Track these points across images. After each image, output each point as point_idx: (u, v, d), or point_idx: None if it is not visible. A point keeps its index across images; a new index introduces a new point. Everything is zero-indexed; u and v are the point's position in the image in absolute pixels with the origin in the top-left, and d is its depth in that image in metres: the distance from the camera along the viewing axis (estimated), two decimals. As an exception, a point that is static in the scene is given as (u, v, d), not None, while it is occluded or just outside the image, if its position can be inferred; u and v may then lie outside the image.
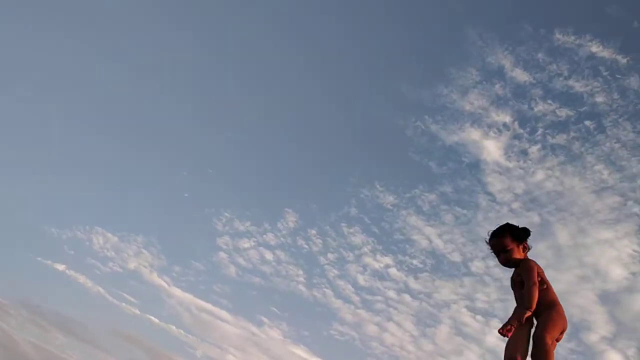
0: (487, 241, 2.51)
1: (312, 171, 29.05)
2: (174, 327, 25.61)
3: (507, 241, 2.44)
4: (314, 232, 26.99)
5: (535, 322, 2.32)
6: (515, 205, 25.34)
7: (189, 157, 27.82)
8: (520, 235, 2.45)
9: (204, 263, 26.46)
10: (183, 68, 25.88)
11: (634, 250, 23.17)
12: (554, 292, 2.36)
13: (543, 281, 2.36)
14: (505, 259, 2.43)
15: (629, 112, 22.09)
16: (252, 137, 28.12)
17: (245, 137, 27.67)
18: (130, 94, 24.86)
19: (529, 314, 2.22)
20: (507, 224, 2.49)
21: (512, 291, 2.46)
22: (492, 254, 2.51)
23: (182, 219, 28.86)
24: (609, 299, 25.36)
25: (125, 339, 22.47)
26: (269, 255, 26.26)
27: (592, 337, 26.56)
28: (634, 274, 23.65)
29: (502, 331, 2.16)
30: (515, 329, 2.19)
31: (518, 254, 2.44)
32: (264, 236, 26.39)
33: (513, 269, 2.48)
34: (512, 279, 2.43)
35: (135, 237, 25.68)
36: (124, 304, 24.19)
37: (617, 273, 24.82)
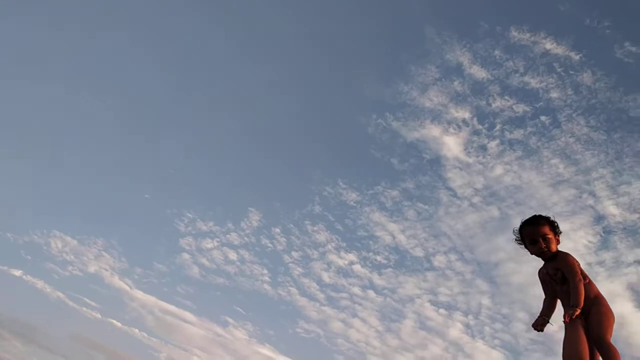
0: (520, 229, 2.41)
1: (275, 170, 28.62)
2: (137, 330, 24.79)
3: (547, 229, 2.36)
4: (278, 230, 26.74)
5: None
6: (475, 200, 25.79)
7: (149, 158, 26.88)
8: (557, 227, 2.38)
9: (167, 265, 25.68)
10: (143, 68, 24.95)
11: (589, 241, 23.99)
12: (595, 285, 2.28)
13: (584, 275, 2.29)
14: (544, 248, 2.34)
15: (582, 107, 22.86)
16: (213, 137, 27.38)
17: (206, 137, 26.93)
18: (88, 94, 23.79)
19: (578, 311, 2.15)
20: (542, 215, 2.42)
21: (540, 285, 2.41)
22: (520, 243, 2.43)
23: (144, 221, 27.92)
24: None
25: (87, 344, 21.58)
26: (232, 255, 25.77)
27: (552, 327, 27.34)
28: (589, 264, 24.54)
29: (566, 320, 2.13)
30: (569, 329, 2.15)
31: (555, 245, 2.36)
32: (228, 236, 25.87)
33: (545, 263, 2.41)
34: (547, 273, 2.35)
35: (95, 240, 24.66)
36: (84, 308, 23.16)
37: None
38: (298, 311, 27.20)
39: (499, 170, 25.72)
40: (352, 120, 27.03)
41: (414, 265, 27.81)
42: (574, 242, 25.34)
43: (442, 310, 27.55)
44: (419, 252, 27.60)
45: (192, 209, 26.00)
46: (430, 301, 27.39)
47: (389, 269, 27.46)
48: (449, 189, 26.41)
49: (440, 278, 27.54)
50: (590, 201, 24.41)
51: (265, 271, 25.97)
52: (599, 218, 24.31)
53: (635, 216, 24.00)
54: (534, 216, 2.39)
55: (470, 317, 27.49)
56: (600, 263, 24.79)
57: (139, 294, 25.37)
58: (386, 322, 27.89)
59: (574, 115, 22.47)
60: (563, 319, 2.15)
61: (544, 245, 2.32)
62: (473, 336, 27.64)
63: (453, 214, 26.95)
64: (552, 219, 2.36)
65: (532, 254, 2.39)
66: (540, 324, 2.29)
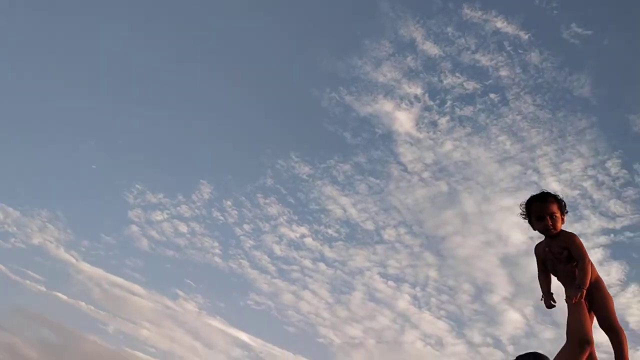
0: (528, 204, 2.38)
1: (227, 143, 28.20)
2: (84, 304, 24.00)
3: (555, 207, 2.32)
4: (229, 203, 26.45)
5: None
6: (425, 175, 26.44)
7: (97, 127, 25.72)
8: (564, 206, 2.35)
9: (115, 237, 24.91)
10: (94, 37, 23.55)
11: None
12: (595, 267, 2.27)
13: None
14: (551, 226, 2.30)
15: (530, 86, 23.67)
16: (163, 106, 26.56)
17: (156, 107, 26.10)
18: (36, 60, 22.36)
19: (584, 292, 2.13)
20: (551, 193, 2.37)
21: (537, 260, 2.40)
22: (525, 217, 2.40)
23: (91, 192, 26.91)
24: (509, 262, 27.42)
25: (31, 318, 20.76)
26: (183, 228, 25.35)
27: (494, 298, 28.44)
28: (531, 238, 25.66)
29: (570, 300, 2.11)
30: (574, 308, 2.11)
31: (560, 224, 2.33)
32: (178, 208, 25.36)
33: (547, 241, 2.37)
34: (550, 251, 2.32)
35: (39, 211, 23.46)
36: (28, 281, 22.13)
37: (517, 238, 26.77)
38: (249, 284, 27.33)
39: (448, 146, 26.23)
40: (306, 93, 26.93)
41: (364, 238, 28.32)
42: (517, 216, 26.31)
43: (390, 283, 28.23)
44: (369, 226, 28.03)
45: (141, 181, 25.25)
46: (379, 273, 28.01)
47: (340, 242, 27.83)
48: (400, 163, 26.79)
49: (390, 251, 28.21)
50: (534, 177, 25.41)
51: (216, 244, 25.78)
52: None
53: (575, 192, 25.16)
54: (544, 193, 2.36)
55: (417, 289, 28.35)
56: (542, 237, 26.23)
57: (85, 266, 24.53)
58: (336, 294, 28.38)
59: (521, 93, 23.27)
60: (567, 299, 2.14)
61: (550, 223, 2.29)
62: (420, 307, 28.51)
63: (403, 188, 27.43)
64: (560, 197, 2.35)
65: (535, 229, 2.37)
66: (550, 300, 2.30)
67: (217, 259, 26.14)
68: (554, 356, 2.14)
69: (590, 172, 23.46)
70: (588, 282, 2.16)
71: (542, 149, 24.04)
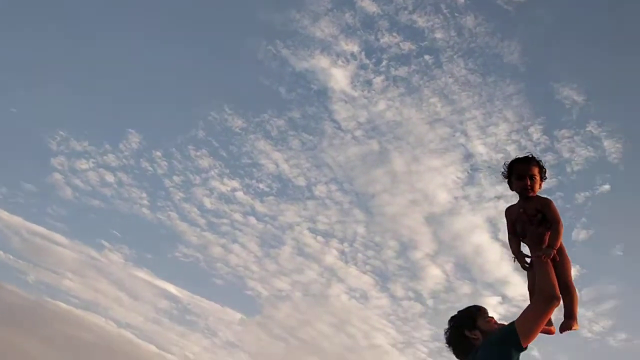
0: (511, 163, 2.45)
1: (157, 91, 27.04)
2: (1, 252, 23.12)
3: (536, 170, 2.41)
4: (159, 154, 25.79)
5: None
6: (358, 133, 26.55)
7: (18, 68, 24.00)
8: (545, 172, 2.44)
9: (36, 184, 23.87)
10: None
11: (458, 177, 25.84)
12: None
13: None
14: (529, 187, 2.38)
15: (463, 49, 23.83)
16: (88, 49, 24.92)
17: (81, 49, 24.45)
18: None
19: (555, 253, 2.23)
20: (535, 157, 2.46)
21: (507, 221, 2.46)
22: (506, 177, 2.47)
23: (9, 137, 25.39)
24: (434, 221, 28.38)
25: (-56, 266, 19.72)
26: (109, 177, 24.57)
27: (417, 254, 29.49)
28: (456, 198, 26.52)
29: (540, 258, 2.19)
30: (544, 266, 2.18)
31: (538, 188, 2.42)
32: (105, 157, 24.48)
33: (521, 202, 2.43)
34: (524, 212, 2.38)
35: (-50, 157, 21.91)
36: (-60, 228, 20.88)
37: (443, 197, 27.69)
38: (178, 236, 27.04)
39: (382, 105, 26.39)
40: (242, 44, 26.01)
41: (295, 193, 28.41)
42: (444, 177, 27.09)
43: (319, 238, 28.74)
44: (301, 182, 28.17)
45: (64, 127, 23.91)
46: (309, 229, 28.40)
47: (271, 197, 27.86)
48: (334, 121, 26.75)
49: (320, 207, 28.52)
50: (462, 140, 26.10)
51: (144, 195, 25.18)
52: (468, 156, 26.18)
53: (499, 156, 25.95)
54: (528, 155, 2.46)
55: (345, 244, 29.05)
56: (466, 197, 26.94)
57: (3, 214, 23.55)
58: (266, 248, 28.67)
59: (455, 57, 23.50)
60: (537, 256, 2.23)
61: (529, 184, 2.39)
62: (347, 262, 29.29)
63: (336, 145, 27.52)
64: (542, 163, 2.45)
65: (513, 189, 2.45)
66: (525, 261, 2.36)
67: (145, 210, 25.49)
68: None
69: (514, 136, 24.20)
70: (559, 244, 2.26)
71: (471, 112, 24.52)
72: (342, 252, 28.12)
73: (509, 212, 2.46)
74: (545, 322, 2.09)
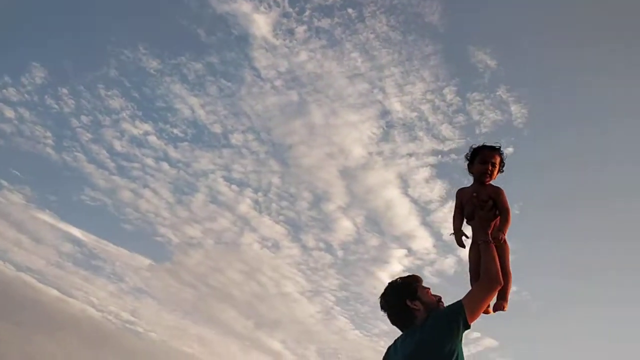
0: (478, 148, 2.53)
1: (66, 23, 25.09)
2: None
3: (498, 160, 2.53)
4: (65, 91, 24.29)
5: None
6: (277, 83, 26.47)
7: None
8: (503, 165, 2.55)
9: None
10: None
11: (373, 133, 26.69)
12: None
13: None
14: (489, 172, 2.48)
15: (386, 5, 24.07)
16: None
17: None
18: None
19: (504, 238, 2.38)
20: (500, 149, 2.55)
21: (457, 201, 2.56)
22: (467, 158, 2.55)
23: None
24: (348, 174, 29.38)
25: None
26: (9, 113, 22.89)
27: (330, 207, 30.51)
28: (370, 153, 27.43)
29: (493, 239, 2.34)
30: (491, 250, 2.32)
31: (494, 177, 2.53)
32: (4, 91, 22.68)
33: (475, 186, 2.52)
34: (476, 196, 2.47)
35: None
36: None
37: (358, 152, 28.59)
38: (85, 178, 26.05)
39: (303, 56, 26.32)
40: None
41: (211, 141, 28.11)
42: (360, 132, 27.91)
43: (234, 186, 28.89)
44: (217, 129, 27.85)
45: None
46: (223, 177, 28.40)
47: (186, 143, 27.41)
48: (254, 68, 26.41)
49: (236, 155, 28.50)
50: (380, 96, 26.79)
51: (48, 134, 23.75)
52: (385, 113, 26.99)
53: (414, 114, 26.96)
54: (496, 145, 2.55)
55: (259, 194, 29.41)
56: (380, 153, 27.89)
57: None
58: (178, 194, 28.44)
59: (377, 12, 23.71)
60: (484, 241, 2.36)
61: (490, 169, 2.48)
62: (260, 212, 29.77)
63: (255, 94, 27.31)
64: (505, 156, 2.56)
65: (472, 171, 2.53)
66: (462, 239, 2.47)
67: (49, 150, 24.17)
68: None
69: (429, 96, 25.21)
70: (507, 231, 2.39)
71: (390, 69, 25.14)
72: (256, 202, 28.18)
73: (461, 193, 2.55)
74: (488, 303, 2.24)
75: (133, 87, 24.96)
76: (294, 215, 28.68)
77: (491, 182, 2.51)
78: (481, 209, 2.41)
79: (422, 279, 2.35)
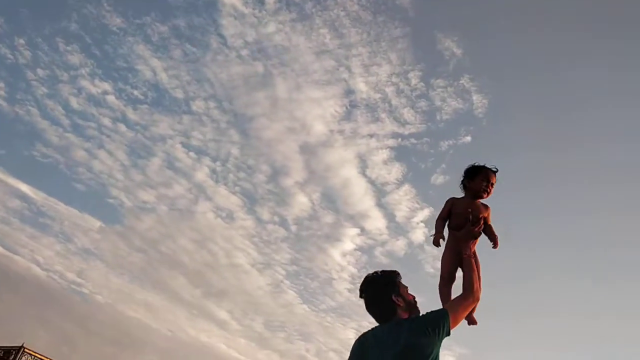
0: (484, 168, 2.67)
1: None
2: None
3: (494, 182, 2.69)
4: (22, 42, 23.27)
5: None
6: (244, 52, 26.03)
7: None
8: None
9: None
10: None
11: (336, 111, 26.79)
12: None
13: None
14: (489, 192, 2.65)
15: None
16: None
17: None
18: None
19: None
20: None
21: (450, 209, 2.68)
22: (471, 174, 2.68)
23: None
24: (308, 150, 29.47)
25: None
26: None
27: (288, 181, 30.60)
28: (331, 131, 27.58)
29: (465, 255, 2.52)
30: (474, 266, 2.49)
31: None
32: None
33: (471, 203, 2.66)
34: (472, 212, 2.59)
35: None
36: None
37: (319, 129, 28.66)
38: (37, 133, 25.26)
39: (271, 27, 25.94)
40: None
41: (171, 105, 27.57)
42: (323, 109, 27.89)
43: (192, 154, 28.52)
44: (179, 94, 27.31)
45: None
46: (181, 143, 27.97)
47: (145, 106, 26.78)
48: (221, 36, 25.89)
49: (196, 122, 28.09)
50: (345, 75, 26.81)
51: (1, 84, 22.93)
52: (349, 92, 27.04)
53: (377, 95, 27.14)
54: (496, 169, 2.70)
55: (217, 163, 29.17)
56: (341, 132, 27.98)
57: None
58: (134, 157, 27.88)
59: None
60: (469, 253, 2.54)
61: (489, 188, 2.65)
62: (217, 181, 29.62)
63: (220, 61, 26.81)
64: None
65: (471, 185, 2.66)
66: (439, 241, 2.59)
67: (1, 101, 23.35)
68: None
69: (394, 79, 25.42)
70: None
71: (358, 49, 25.14)
72: (214, 171, 27.81)
73: (454, 203, 2.68)
74: (467, 314, 2.38)
75: (94, 43, 23.91)
76: (251, 187, 28.42)
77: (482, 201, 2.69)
78: (472, 225, 2.55)
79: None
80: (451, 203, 2.69)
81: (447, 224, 2.66)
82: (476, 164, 2.70)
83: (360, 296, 2.38)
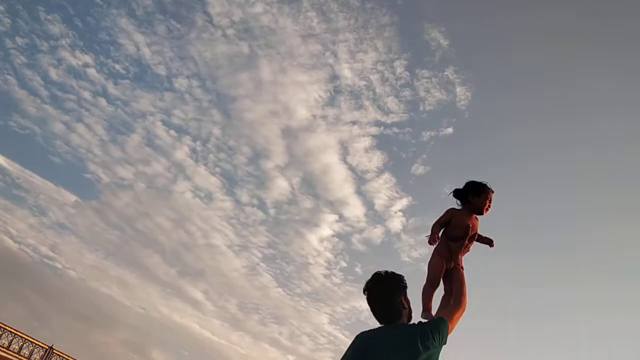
0: (486, 185, 2.78)
1: None
2: None
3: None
4: (1, 8, 22.73)
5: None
6: (229, 32, 25.78)
7: None
8: None
9: None
10: None
11: (320, 96, 26.80)
12: None
13: None
14: (488, 209, 2.78)
15: None
16: None
17: None
18: None
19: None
20: None
21: (453, 221, 2.77)
22: (476, 192, 2.77)
23: None
24: (289, 134, 29.44)
25: None
26: None
27: (268, 164, 30.83)
28: (314, 116, 27.59)
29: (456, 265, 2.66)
30: (464, 278, 2.62)
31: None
32: None
33: (471, 217, 2.78)
34: (473, 228, 2.74)
35: None
36: None
37: (302, 113, 28.69)
38: (14, 103, 25.13)
39: (259, 8, 25.95)
40: None
41: (153, 82, 27.49)
42: (307, 93, 27.91)
43: (172, 132, 28.56)
44: (161, 70, 27.30)
45: None
46: (162, 121, 27.97)
47: (127, 81, 26.74)
48: (207, 13, 25.82)
49: (178, 101, 28.11)
50: (331, 60, 26.85)
51: None
52: (334, 77, 27.02)
53: (362, 83, 27.07)
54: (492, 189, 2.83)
55: (198, 143, 29.20)
56: (324, 117, 28.01)
57: None
58: (113, 133, 27.91)
59: None
60: (461, 265, 2.67)
61: (490, 208, 2.79)
62: (197, 161, 29.68)
63: (205, 40, 26.86)
64: None
65: (478, 203, 2.75)
66: (434, 241, 2.72)
67: None
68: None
69: (379, 67, 25.36)
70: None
71: (345, 34, 25.00)
72: (194, 150, 27.60)
73: (454, 215, 2.78)
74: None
75: (76, 14, 23.47)
76: (231, 168, 28.20)
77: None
78: (469, 240, 2.73)
79: None
80: (452, 214, 2.78)
81: (443, 230, 2.75)
82: (478, 182, 2.81)
83: (368, 292, 2.36)
